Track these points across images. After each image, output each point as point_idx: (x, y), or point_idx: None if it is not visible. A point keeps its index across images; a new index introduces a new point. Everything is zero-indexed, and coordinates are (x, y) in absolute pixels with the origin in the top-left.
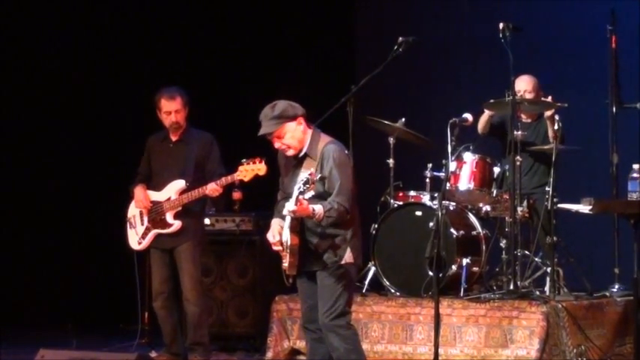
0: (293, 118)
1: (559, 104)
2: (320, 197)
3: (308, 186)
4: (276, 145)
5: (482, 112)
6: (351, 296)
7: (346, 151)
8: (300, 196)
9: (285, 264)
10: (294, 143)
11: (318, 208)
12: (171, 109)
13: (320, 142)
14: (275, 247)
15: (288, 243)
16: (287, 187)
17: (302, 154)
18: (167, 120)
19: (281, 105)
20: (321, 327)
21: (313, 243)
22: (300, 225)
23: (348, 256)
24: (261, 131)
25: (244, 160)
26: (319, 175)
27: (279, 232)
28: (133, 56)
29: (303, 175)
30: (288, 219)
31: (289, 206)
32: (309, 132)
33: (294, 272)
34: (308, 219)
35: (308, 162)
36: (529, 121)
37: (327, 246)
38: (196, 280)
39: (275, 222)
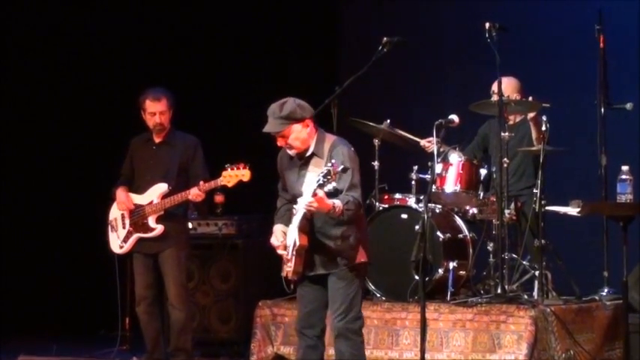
0: (300, 120)
1: (544, 105)
2: (330, 194)
3: (329, 177)
4: (280, 143)
5: (468, 112)
6: (362, 297)
7: (352, 148)
8: (319, 190)
9: (289, 269)
10: (297, 144)
11: (338, 202)
12: (155, 111)
13: (326, 141)
14: (280, 251)
15: (297, 244)
16: (292, 188)
17: (308, 153)
18: (151, 121)
19: (289, 105)
20: (334, 329)
21: (325, 244)
22: (310, 225)
23: (360, 255)
24: (266, 129)
25: (228, 165)
26: (342, 167)
27: (283, 236)
28: (117, 59)
29: (317, 170)
30: (296, 218)
31: (305, 200)
32: (316, 134)
33: (297, 277)
34: (318, 219)
35: (315, 161)
36: (512, 123)
37: (341, 247)
38: (181, 285)
39: (277, 227)
